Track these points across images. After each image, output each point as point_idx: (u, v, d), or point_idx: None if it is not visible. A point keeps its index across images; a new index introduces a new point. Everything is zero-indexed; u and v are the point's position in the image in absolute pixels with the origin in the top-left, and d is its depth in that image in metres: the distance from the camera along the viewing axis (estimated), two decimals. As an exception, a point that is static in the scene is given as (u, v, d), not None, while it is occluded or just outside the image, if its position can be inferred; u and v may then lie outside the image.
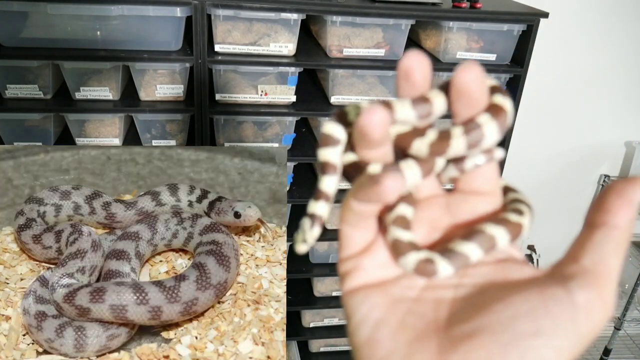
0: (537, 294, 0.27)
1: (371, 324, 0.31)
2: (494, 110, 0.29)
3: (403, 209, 0.32)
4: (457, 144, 0.29)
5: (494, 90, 0.30)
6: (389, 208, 0.33)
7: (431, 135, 0.30)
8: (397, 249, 0.31)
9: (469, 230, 0.31)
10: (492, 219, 0.31)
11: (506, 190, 0.35)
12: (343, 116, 0.32)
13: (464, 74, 0.28)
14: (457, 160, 0.32)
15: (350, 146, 0.32)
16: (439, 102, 0.30)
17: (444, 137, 0.30)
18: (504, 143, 1.44)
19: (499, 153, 0.32)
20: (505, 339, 0.27)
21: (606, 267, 0.27)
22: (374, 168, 0.31)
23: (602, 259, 0.27)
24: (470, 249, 0.30)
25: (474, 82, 0.28)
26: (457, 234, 0.32)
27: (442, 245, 0.32)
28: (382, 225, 0.33)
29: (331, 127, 0.32)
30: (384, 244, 0.33)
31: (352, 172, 0.32)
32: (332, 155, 0.32)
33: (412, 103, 0.30)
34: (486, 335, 0.27)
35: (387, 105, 0.30)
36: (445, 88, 0.30)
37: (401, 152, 0.32)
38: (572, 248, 0.29)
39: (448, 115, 0.31)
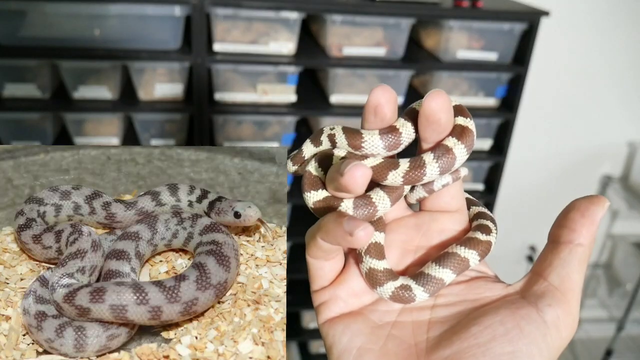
0: (511, 315, 0.29)
1: (354, 352, 0.32)
2: (459, 132, 0.30)
3: (375, 237, 0.33)
4: (431, 170, 0.30)
5: (457, 111, 0.31)
6: None
7: (404, 165, 0.31)
8: (373, 279, 0.33)
9: (442, 254, 0.32)
10: (463, 241, 0.33)
11: (469, 203, 0.36)
12: (319, 133, 0.35)
13: (433, 102, 0.29)
14: (426, 182, 0.33)
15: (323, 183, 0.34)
16: (406, 132, 0.31)
17: (418, 165, 0.31)
18: (505, 143, 1.43)
19: (464, 171, 0.33)
20: None
21: (571, 283, 0.29)
22: (346, 206, 0.32)
23: (568, 275, 0.29)
24: (445, 274, 0.32)
25: (442, 110, 0.30)
26: (431, 253, 0.33)
27: (416, 268, 0.33)
28: (355, 254, 0.34)
29: (305, 144, 0.36)
30: (356, 272, 0.34)
31: (322, 209, 0.33)
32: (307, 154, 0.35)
33: (380, 134, 0.31)
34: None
35: (356, 135, 0.31)
36: (412, 115, 0.31)
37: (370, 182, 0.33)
38: (539, 263, 0.31)
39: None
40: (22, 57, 1.15)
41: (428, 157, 0.30)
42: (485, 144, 1.46)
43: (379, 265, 0.32)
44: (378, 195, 0.32)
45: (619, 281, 2.10)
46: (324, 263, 0.33)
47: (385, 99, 0.30)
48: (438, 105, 0.29)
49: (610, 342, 1.97)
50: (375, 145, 0.31)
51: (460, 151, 0.30)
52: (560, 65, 1.70)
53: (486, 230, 0.33)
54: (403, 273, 0.34)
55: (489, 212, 0.35)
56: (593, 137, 1.89)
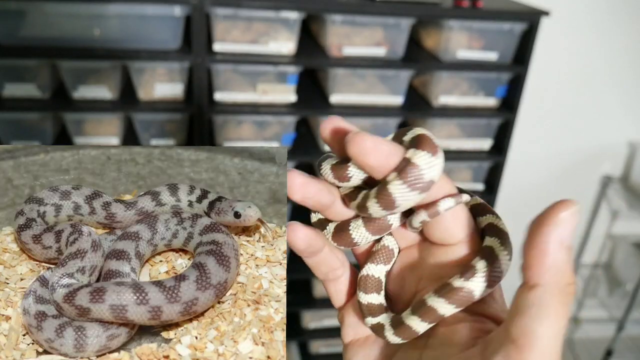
0: None
1: None
2: (401, 167, 0.27)
3: (369, 269, 0.33)
4: (373, 207, 0.28)
5: (414, 142, 0.28)
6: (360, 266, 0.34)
7: (359, 198, 0.30)
8: (360, 310, 0.33)
9: (417, 302, 0.30)
10: (438, 288, 0.29)
11: (488, 230, 0.30)
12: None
13: (354, 147, 0.26)
14: (407, 215, 0.31)
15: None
16: (355, 169, 0.30)
17: (364, 200, 0.29)
18: (506, 142, 1.43)
19: (445, 204, 0.29)
20: None
21: (529, 337, 0.23)
22: (327, 230, 0.33)
23: (526, 326, 0.23)
24: (414, 322, 0.30)
25: (372, 156, 0.26)
26: (427, 287, 0.32)
27: (417, 298, 0.32)
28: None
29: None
30: None
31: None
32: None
33: (333, 165, 0.31)
34: None
35: (325, 159, 0.32)
36: None
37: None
38: (510, 307, 0.25)
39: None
40: (22, 57, 1.15)
41: (372, 193, 0.28)
42: (485, 144, 1.46)
43: (363, 298, 0.33)
44: (356, 224, 0.31)
45: (619, 281, 2.10)
46: (327, 284, 0.34)
47: (333, 132, 0.29)
48: (362, 150, 0.26)
49: (610, 342, 1.97)
50: (326, 173, 0.31)
51: (398, 189, 0.27)
52: (560, 65, 1.70)
53: (469, 273, 0.28)
54: (405, 302, 0.33)
55: (498, 248, 0.29)
56: (593, 137, 1.89)
